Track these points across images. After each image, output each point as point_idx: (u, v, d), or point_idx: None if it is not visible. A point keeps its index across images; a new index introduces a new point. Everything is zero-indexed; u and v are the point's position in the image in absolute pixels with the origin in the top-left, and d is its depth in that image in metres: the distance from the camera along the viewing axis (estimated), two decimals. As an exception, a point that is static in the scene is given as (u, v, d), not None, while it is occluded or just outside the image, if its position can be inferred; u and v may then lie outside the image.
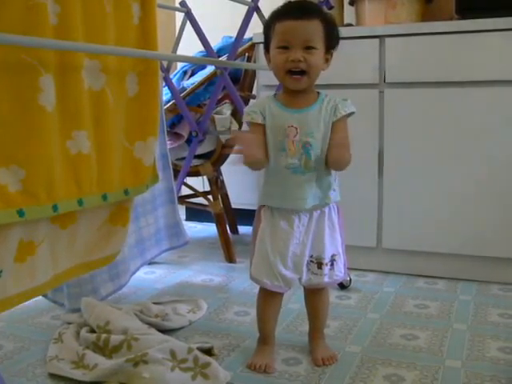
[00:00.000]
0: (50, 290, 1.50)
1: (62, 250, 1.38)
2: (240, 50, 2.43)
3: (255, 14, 2.16)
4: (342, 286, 2.08)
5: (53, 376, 1.42)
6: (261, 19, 2.01)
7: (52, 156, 1.24)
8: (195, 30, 2.11)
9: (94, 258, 1.51)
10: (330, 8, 1.99)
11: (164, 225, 2.17)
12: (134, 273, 1.99)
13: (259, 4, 2.13)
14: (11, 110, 1.15)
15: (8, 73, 1.14)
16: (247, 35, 2.33)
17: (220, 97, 2.47)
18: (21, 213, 1.16)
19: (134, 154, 1.55)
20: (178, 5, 2.30)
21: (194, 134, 2.33)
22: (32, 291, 1.29)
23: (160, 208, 2.12)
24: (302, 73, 1.35)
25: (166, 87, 2.42)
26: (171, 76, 2.70)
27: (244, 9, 2.18)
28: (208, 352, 1.46)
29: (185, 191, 3.04)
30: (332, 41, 1.43)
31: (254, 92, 2.62)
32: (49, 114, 1.21)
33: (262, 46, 2.25)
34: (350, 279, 2.09)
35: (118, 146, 1.48)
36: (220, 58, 2.38)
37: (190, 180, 2.89)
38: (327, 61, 1.43)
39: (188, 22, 2.23)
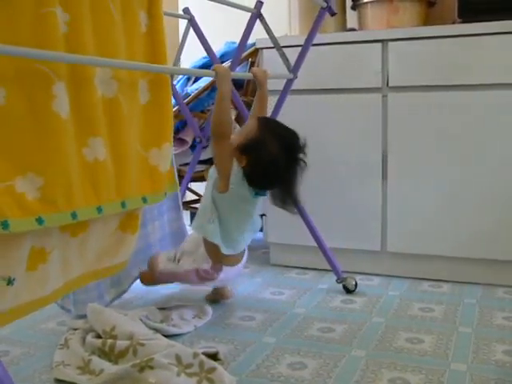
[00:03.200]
0: (60, 298, 1.50)
1: (72, 258, 1.38)
2: (243, 55, 2.44)
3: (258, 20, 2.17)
4: (348, 290, 2.08)
5: (59, 382, 1.42)
6: (263, 26, 2.01)
7: (69, 163, 1.23)
8: (198, 37, 2.11)
9: (104, 265, 1.52)
10: (333, 14, 1.99)
11: (169, 231, 2.18)
12: (136, 278, 1.99)
13: (262, 11, 2.14)
14: (26, 119, 1.15)
15: (21, 81, 1.14)
16: (250, 40, 2.33)
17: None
18: (40, 220, 1.16)
19: (150, 161, 1.55)
20: (181, 12, 2.30)
21: (197, 139, 2.34)
22: (43, 299, 1.29)
23: (165, 214, 2.12)
24: None
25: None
26: (175, 82, 2.72)
27: (247, 15, 2.18)
28: (213, 357, 1.46)
29: (189, 196, 3.05)
30: None
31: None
32: (63, 121, 1.22)
33: (264, 50, 2.29)
34: (356, 283, 2.09)
35: (134, 153, 1.48)
36: (223, 64, 2.39)
37: (194, 185, 2.90)
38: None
39: (191, 28, 2.23)
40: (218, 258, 1.72)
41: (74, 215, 1.25)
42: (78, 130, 1.28)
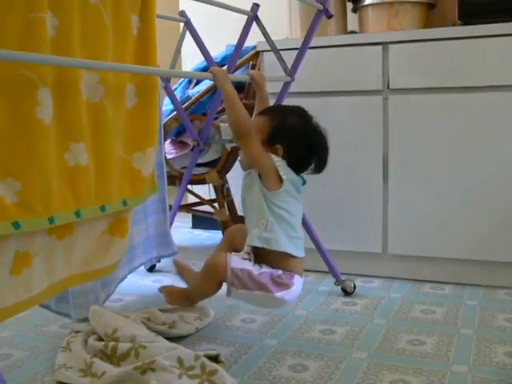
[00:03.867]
0: (45, 300, 1.49)
1: (58, 261, 1.38)
2: (244, 58, 2.44)
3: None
4: (346, 292, 2.08)
5: (61, 384, 1.43)
6: (260, 29, 2.02)
7: (49, 168, 1.23)
8: (195, 40, 2.11)
9: (91, 268, 1.51)
10: (329, 17, 1.99)
11: (154, 233, 2.17)
12: (121, 280, 1.98)
13: (263, 14, 2.14)
14: (8, 124, 1.15)
15: (5, 86, 1.14)
16: (251, 43, 2.34)
17: (224, 106, 2.47)
18: (16, 225, 1.16)
19: (133, 165, 1.55)
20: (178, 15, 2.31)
21: (194, 143, 2.33)
22: (28, 302, 1.29)
23: (150, 217, 2.12)
24: None
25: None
26: (176, 85, 2.72)
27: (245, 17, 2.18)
28: (215, 359, 1.46)
29: (191, 199, 3.05)
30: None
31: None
32: (46, 127, 1.22)
33: (265, 53, 2.30)
34: (355, 285, 2.09)
35: (117, 158, 1.48)
36: (224, 67, 2.40)
37: (196, 188, 2.91)
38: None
39: (188, 32, 2.23)
40: (287, 267, 1.54)
41: (51, 220, 1.25)
42: (60, 135, 1.28)
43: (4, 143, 1.15)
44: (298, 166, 1.59)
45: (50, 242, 1.33)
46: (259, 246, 1.52)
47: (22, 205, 1.18)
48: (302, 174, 1.63)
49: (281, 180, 1.53)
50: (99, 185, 1.41)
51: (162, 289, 1.74)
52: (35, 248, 1.28)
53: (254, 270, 1.51)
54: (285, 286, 1.50)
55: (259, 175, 1.54)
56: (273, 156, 1.54)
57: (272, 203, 1.53)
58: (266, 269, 1.52)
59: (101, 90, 1.40)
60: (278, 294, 1.49)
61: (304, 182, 1.63)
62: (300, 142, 1.58)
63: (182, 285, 1.76)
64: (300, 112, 1.64)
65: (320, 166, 1.63)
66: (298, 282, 1.54)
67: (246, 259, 1.53)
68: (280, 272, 1.51)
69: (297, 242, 1.56)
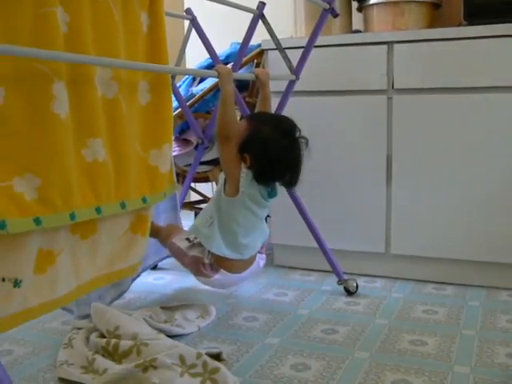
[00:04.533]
0: (72, 301, 1.49)
1: (83, 261, 1.38)
2: (249, 56, 2.44)
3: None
4: (349, 292, 2.08)
5: (63, 381, 1.43)
6: (266, 27, 2.01)
7: (67, 164, 1.24)
8: (200, 38, 2.11)
9: (116, 268, 1.52)
10: (335, 16, 1.99)
11: None
12: (134, 279, 1.99)
13: (268, 12, 2.14)
14: (24, 119, 1.15)
15: (21, 81, 1.14)
16: (256, 41, 2.33)
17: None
18: (37, 221, 1.16)
19: (150, 162, 1.55)
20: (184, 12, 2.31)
21: (199, 141, 2.34)
22: (54, 302, 1.29)
23: (162, 214, 2.12)
24: None
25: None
26: (180, 82, 2.72)
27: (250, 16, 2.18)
28: (217, 357, 1.46)
29: (194, 197, 3.06)
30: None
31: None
32: (62, 122, 1.22)
33: (270, 52, 2.29)
34: (357, 285, 2.09)
35: (133, 154, 1.48)
36: (228, 65, 2.40)
37: (199, 186, 2.91)
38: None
39: (193, 29, 2.23)
40: (220, 263, 1.62)
41: (72, 216, 1.25)
42: (77, 130, 1.28)
43: (21, 139, 1.15)
44: (262, 179, 1.56)
45: (74, 241, 1.33)
46: (191, 233, 1.65)
47: (43, 201, 1.18)
48: (274, 186, 1.62)
49: (238, 190, 1.55)
50: (118, 181, 1.41)
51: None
52: (59, 246, 1.27)
53: (189, 251, 1.64)
54: (205, 274, 1.63)
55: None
56: (243, 166, 1.54)
57: (223, 207, 1.58)
58: (198, 253, 1.62)
59: (115, 86, 1.41)
60: (200, 279, 1.67)
61: (273, 195, 1.62)
62: (266, 155, 1.53)
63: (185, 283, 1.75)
64: (280, 124, 1.59)
65: (289, 183, 1.61)
66: (222, 277, 1.64)
67: (187, 239, 1.66)
68: (207, 262, 1.61)
69: (234, 248, 1.62)
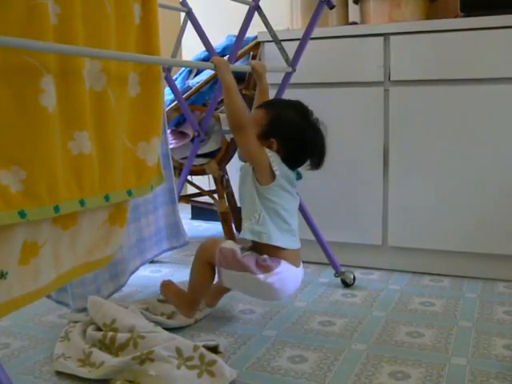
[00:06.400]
0: (53, 291, 1.50)
1: (64, 251, 1.38)
2: (245, 48, 2.43)
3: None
4: (346, 284, 2.08)
5: (59, 374, 1.43)
6: (262, 19, 2.00)
7: (53, 157, 1.23)
8: (196, 30, 2.10)
9: (94, 258, 1.51)
10: (332, 7, 1.98)
11: (164, 225, 2.17)
12: (133, 272, 1.99)
13: (264, 4, 2.13)
14: (12, 111, 1.14)
15: (9, 74, 1.14)
16: (252, 33, 2.33)
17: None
18: (22, 214, 1.16)
19: (138, 155, 1.54)
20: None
21: (195, 133, 2.33)
22: (36, 293, 1.29)
23: (160, 208, 2.12)
24: None
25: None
26: (177, 75, 2.71)
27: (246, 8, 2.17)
28: (214, 350, 1.46)
29: (190, 190, 3.05)
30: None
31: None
32: (50, 115, 1.21)
33: (266, 44, 2.29)
34: (354, 277, 2.09)
35: (121, 147, 1.47)
36: (224, 57, 2.39)
37: (195, 179, 2.91)
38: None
39: (189, 21, 2.22)
40: (278, 256, 1.55)
41: (56, 209, 1.25)
42: (64, 123, 1.27)
43: (8, 131, 1.15)
44: (292, 161, 1.57)
45: (56, 231, 1.33)
46: (250, 239, 1.55)
47: (28, 193, 1.18)
48: (299, 169, 1.61)
49: (273, 174, 1.52)
50: (103, 174, 1.40)
51: (162, 282, 1.74)
52: (42, 238, 1.27)
53: (240, 252, 1.56)
54: (267, 268, 1.51)
55: (253, 169, 1.54)
56: (267, 150, 1.53)
57: (264, 197, 1.54)
58: (253, 254, 1.55)
59: (104, 78, 1.39)
60: (261, 276, 1.50)
61: (300, 177, 1.62)
62: (294, 137, 1.55)
63: (182, 275, 1.75)
64: (298, 107, 1.61)
65: (316, 163, 1.61)
66: (285, 268, 1.54)
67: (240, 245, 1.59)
68: (266, 256, 1.53)
69: (289, 234, 1.57)
